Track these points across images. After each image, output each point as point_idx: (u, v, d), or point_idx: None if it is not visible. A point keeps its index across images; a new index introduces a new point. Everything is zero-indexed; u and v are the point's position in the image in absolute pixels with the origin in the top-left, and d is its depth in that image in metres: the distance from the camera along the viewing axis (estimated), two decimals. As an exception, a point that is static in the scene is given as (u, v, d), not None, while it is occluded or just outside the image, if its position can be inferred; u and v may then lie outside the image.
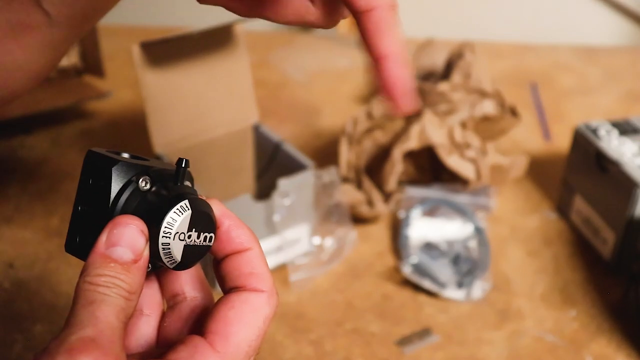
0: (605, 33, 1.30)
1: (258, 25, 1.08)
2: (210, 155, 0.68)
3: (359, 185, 0.71)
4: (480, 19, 1.31)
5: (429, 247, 0.66)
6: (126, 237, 0.30)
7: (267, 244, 0.62)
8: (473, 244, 0.67)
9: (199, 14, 1.40)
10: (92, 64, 0.85)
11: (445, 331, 0.59)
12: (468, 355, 0.58)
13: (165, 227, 0.30)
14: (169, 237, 0.31)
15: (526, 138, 0.87)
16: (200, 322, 0.33)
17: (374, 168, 0.72)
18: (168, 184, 0.32)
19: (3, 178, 0.76)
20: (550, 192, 0.77)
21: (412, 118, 0.72)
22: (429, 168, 0.73)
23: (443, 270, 0.64)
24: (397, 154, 0.68)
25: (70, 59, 0.84)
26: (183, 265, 0.32)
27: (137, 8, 1.35)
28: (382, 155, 0.72)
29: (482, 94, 0.72)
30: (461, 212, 0.69)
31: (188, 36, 0.61)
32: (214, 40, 0.65)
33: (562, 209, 0.74)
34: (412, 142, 0.68)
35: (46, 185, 0.75)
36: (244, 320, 0.31)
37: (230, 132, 0.69)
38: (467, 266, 0.65)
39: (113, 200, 0.31)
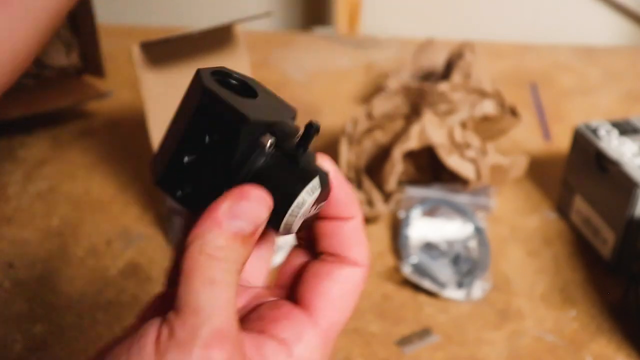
0: (605, 33, 1.30)
1: (258, 25, 1.09)
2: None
3: (359, 186, 0.71)
4: (480, 19, 1.31)
5: (429, 247, 0.67)
6: (251, 211, 0.27)
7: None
8: (473, 244, 0.67)
9: (199, 14, 1.40)
10: (92, 64, 0.85)
11: (445, 331, 0.60)
12: (468, 355, 0.58)
13: (295, 207, 0.28)
14: (295, 216, 0.29)
15: (526, 138, 0.87)
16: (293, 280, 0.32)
17: (374, 168, 0.72)
18: (293, 150, 0.29)
19: (3, 178, 0.76)
20: (550, 192, 0.77)
21: (412, 118, 0.72)
22: (429, 168, 0.73)
23: (443, 270, 0.64)
24: (397, 154, 0.68)
25: (71, 59, 0.84)
26: (291, 233, 0.30)
27: (137, 8, 1.35)
28: (382, 156, 0.72)
29: (482, 94, 0.72)
30: (461, 212, 0.69)
31: (188, 36, 0.61)
32: (214, 40, 0.65)
33: (562, 209, 0.74)
34: (412, 142, 0.68)
35: (46, 185, 0.75)
36: (348, 297, 0.30)
37: None
38: (467, 266, 0.65)
39: (236, 162, 0.28)
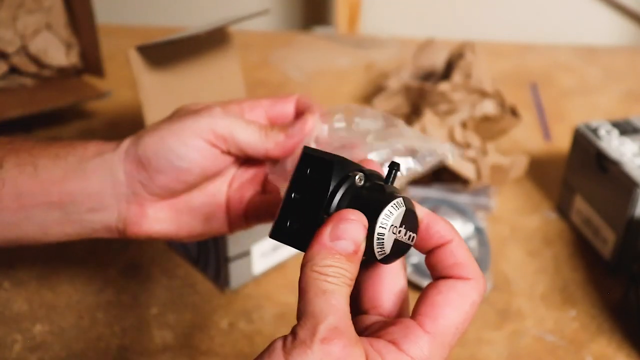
0: (605, 33, 1.30)
1: (258, 25, 1.09)
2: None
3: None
4: (481, 19, 1.31)
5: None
6: (350, 231, 0.32)
7: (266, 242, 0.62)
8: (473, 244, 0.67)
9: (198, 14, 1.40)
10: (92, 63, 0.85)
11: (446, 331, 0.59)
12: (468, 355, 0.57)
13: (383, 218, 0.33)
14: (385, 229, 0.33)
15: (526, 138, 0.87)
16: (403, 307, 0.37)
17: (374, 168, 0.72)
18: (379, 184, 0.35)
19: (3, 178, 0.76)
20: (551, 192, 0.77)
21: (412, 118, 0.72)
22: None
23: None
24: (397, 153, 0.68)
25: (70, 58, 0.84)
26: (388, 258, 0.34)
27: (137, 8, 1.35)
28: (382, 155, 0.72)
29: (483, 94, 0.72)
30: (461, 212, 0.69)
31: (184, 39, 0.61)
32: (208, 42, 0.65)
33: (562, 209, 0.74)
34: (412, 142, 0.68)
35: (46, 185, 0.75)
36: (451, 304, 0.33)
37: None
38: (467, 266, 0.65)
39: (331, 192, 0.34)
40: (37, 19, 0.81)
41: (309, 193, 0.34)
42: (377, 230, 0.33)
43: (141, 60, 0.61)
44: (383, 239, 0.33)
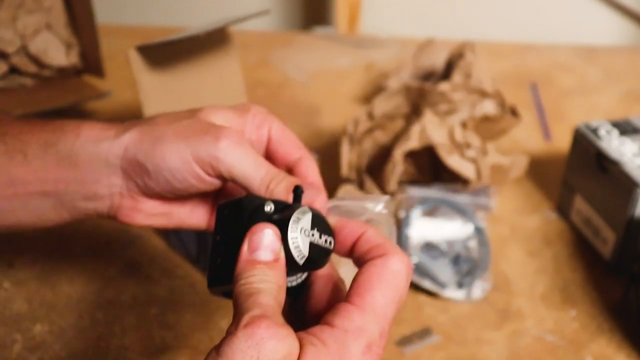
0: (605, 33, 1.30)
1: (258, 25, 1.09)
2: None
3: (361, 186, 0.71)
4: (481, 19, 1.31)
5: (429, 247, 0.66)
6: (264, 240, 0.35)
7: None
8: (473, 244, 0.67)
9: (198, 14, 1.40)
10: (92, 63, 0.85)
11: (446, 331, 0.59)
12: (468, 356, 0.57)
13: (292, 223, 0.36)
14: (296, 232, 0.36)
15: (526, 138, 0.87)
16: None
17: (374, 168, 0.72)
18: (287, 204, 0.38)
19: (3, 178, 0.75)
20: (551, 192, 0.77)
21: (412, 118, 0.72)
22: (429, 168, 0.73)
23: (443, 270, 0.64)
24: (398, 154, 0.68)
25: (70, 58, 0.84)
26: (311, 262, 0.37)
27: (137, 8, 1.35)
28: (382, 156, 0.72)
29: (483, 94, 0.72)
30: (461, 212, 0.69)
31: (184, 39, 0.61)
32: (208, 42, 0.65)
33: (562, 209, 0.74)
34: (412, 142, 0.68)
35: (46, 185, 0.75)
36: (374, 278, 0.35)
37: None
38: (467, 266, 0.65)
39: (246, 223, 0.36)
40: (37, 19, 0.81)
41: (228, 231, 0.37)
42: (289, 235, 0.35)
43: (141, 60, 0.61)
44: (297, 242, 0.36)
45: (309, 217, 0.36)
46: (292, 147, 0.45)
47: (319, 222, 0.37)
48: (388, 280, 0.35)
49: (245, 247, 0.35)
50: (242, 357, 0.30)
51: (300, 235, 0.36)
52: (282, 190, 0.40)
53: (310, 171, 0.44)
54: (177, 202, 0.46)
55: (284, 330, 0.32)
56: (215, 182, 0.43)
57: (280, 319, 0.32)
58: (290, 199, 0.39)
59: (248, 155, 0.41)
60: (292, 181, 0.41)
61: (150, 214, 0.45)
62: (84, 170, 0.44)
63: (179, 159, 0.41)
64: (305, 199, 0.39)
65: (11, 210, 0.45)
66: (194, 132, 0.42)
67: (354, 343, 0.33)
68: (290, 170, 0.45)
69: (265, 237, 0.35)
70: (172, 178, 0.42)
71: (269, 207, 0.37)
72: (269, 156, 0.45)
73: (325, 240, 0.37)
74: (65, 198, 0.44)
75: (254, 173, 0.41)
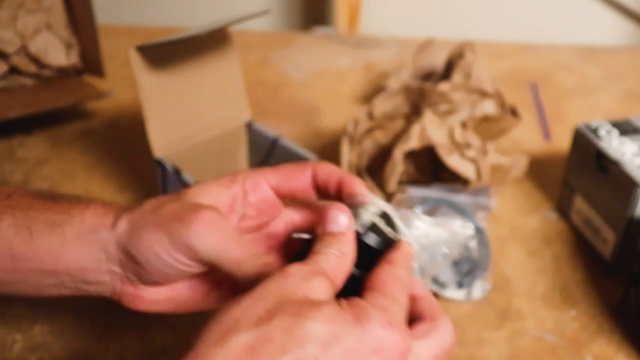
0: (605, 33, 1.30)
1: (258, 25, 1.09)
2: (207, 155, 0.69)
3: (359, 185, 0.71)
4: (481, 18, 1.31)
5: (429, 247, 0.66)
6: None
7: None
8: (473, 244, 0.67)
9: (198, 14, 1.40)
10: (92, 63, 0.85)
11: (446, 331, 0.59)
12: (468, 356, 0.57)
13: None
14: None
15: (526, 138, 0.87)
16: None
17: (374, 168, 0.72)
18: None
19: (3, 178, 0.75)
20: (551, 192, 0.77)
21: (412, 118, 0.72)
22: (429, 168, 0.73)
23: (443, 270, 0.64)
24: (398, 154, 0.68)
25: (70, 58, 0.84)
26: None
27: (137, 8, 1.35)
28: (382, 156, 0.72)
29: (483, 94, 0.72)
30: (461, 212, 0.69)
31: (184, 39, 0.61)
32: (208, 42, 0.65)
33: (562, 209, 0.74)
34: (412, 142, 0.68)
35: (46, 185, 0.75)
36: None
37: (225, 131, 0.69)
38: (467, 266, 0.65)
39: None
40: (37, 19, 0.81)
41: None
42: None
43: (141, 60, 0.61)
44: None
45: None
46: (299, 176, 0.44)
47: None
48: (398, 277, 0.38)
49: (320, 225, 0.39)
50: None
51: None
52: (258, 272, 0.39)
53: (334, 169, 0.44)
54: (178, 287, 0.45)
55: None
56: (201, 266, 0.42)
57: (341, 276, 0.37)
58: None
59: (220, 238, 0.40)
60: (267, 263, 0.39)
61: (153, 300, 0.45)
62: (86, 256, 0.43)
63: (161, 248, 0.41)
64: (345, 190, 0.42)
65: (12, 283, 0.45)
66: (171, 219, 0.41)
67: (377, 316, 0.34)
68: (334, 186, 0.43)
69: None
70: (161, 266, 0.41)
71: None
72: (291, 199, 0.45)
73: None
74: (66, 279, 0.45)
75: (228, 257, 0.40)
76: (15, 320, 0.58)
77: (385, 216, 0.41)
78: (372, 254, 0.39)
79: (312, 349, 0.32)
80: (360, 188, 0.42)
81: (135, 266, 0.42)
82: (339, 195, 0.42)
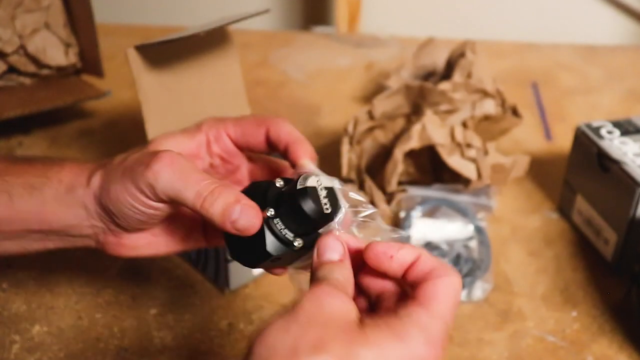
0: (606, 32, 1.29)
1: (258, 24, 1.08)
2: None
3: (361, 186, 0.70)
4: (482, 18, 1.31)
5: (430, 248, 0.66)
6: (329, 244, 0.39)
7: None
8: (474, 244, 0.67)
9: (198, 13, 1.39)
10: (91, 63, 0.85)
11: (446, 332, 0.59)
12: (469, 356, 0.57)
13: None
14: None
15: (527, 138, 0.87)
16: None
17: (374, 168, 0.72)
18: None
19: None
20: (552, 192, 0.76)
21: (413, 117, 0.72)
22: (430, 168, 0.73)
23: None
24: (399, 154, 0.68)
25: (69, 58, 0.84)
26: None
27: (136, 7, 1.35)
28: (382, 155, 0.72)
29: (484, 94, 0.71)
30: (462, 212, 0.69)
31: (183, 38, 0.61)
32: (208, 42, 0.65)
33: (564, 209, 0.73)
34: (413, 141, 0.68)
35: (45, 185, 0.75)
36: (440, 291, 0.37)
37: None
38: (467, 266, 0.64)
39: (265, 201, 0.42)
40: (35, 18, 0.81)
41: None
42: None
43: (140, 59, 0.60)
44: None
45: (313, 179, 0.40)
46: (255, 132, 0.46)
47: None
48: (452, 295, 0.36)
49: (315, 255, 0.39)
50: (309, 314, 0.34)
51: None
52: (218, 210, 0.40)
53: (282, 133, 0.45)
54: (156, 231, 0.47)
55: (345, 296, 0.35)
56: (167, 207, 0.43)
57: (349, 290, 0.37)
58: (225, 220, 0.40)
59: (179, 175, 0.41)
60: (228, 200, 0.40)
61: (134, 246, 0.47)
62: (67, 215, 0.45)
63: (127, 194, 0.43)
64: (291, 154, 0.44)
65: None
66: (134, 165, 0.43)
67: (416, 335, 0.34)
68: (282, 148, 0.45)
69: (327, 241, 0.39)
70: (131, 212, 0.43)
71: (279, 184, 0.41)
72: (248, 152, 0.48)
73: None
74: (51, 236, 0.47)
75: (186, 192, 0.41)
76: (13, 321, 0.58)
77: (330, 191, 0.41)
78: (306, 219, 0.39)
79: None
80: (304, 159, 0.44)
81: (111, 217, 0.44)
82: (287, 156, 0.45)
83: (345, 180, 0.70)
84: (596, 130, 0.68)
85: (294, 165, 0.44)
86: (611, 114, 0.91)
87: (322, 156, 0.75)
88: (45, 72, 0.83)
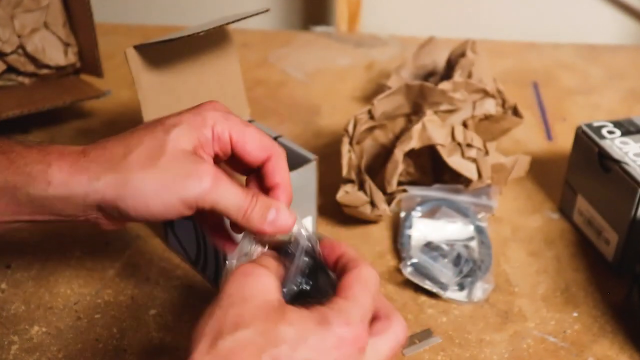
0: (607, 32, 1.29)
1: (258, 24, 1.08)
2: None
3: (361, 186, 0.70)
4: (482, 17, 1.31)
5: (430, 248, 0.66)
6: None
7: (266, 244, 0.61)
8: (474, 244, 0.67)
9: (198, 13, 1.39)
10: (90, 63, 0.85)
11: (447, 332, 0.59)
12: (469, 357, 0.57)
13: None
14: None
15: (528, 137, 0.87)
16: None
17: (374, 168, 0.71)
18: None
19: (1, 178, 0.75)
20: (552, 192, 0.76)
21: (413, 117, 0.72)
22: (430, 169, 0.72)
23: (444, 271, 0.63)
24: (399, 154, 0.67)
25: (68, 58, 0.84)
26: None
27: (136, 7, 1.35)
28: (383, 155, 0.71)
29: (484, 93, 0.71)
30: (462, 212, 0.69)
31: (183, 38, 0.61)
32: (208, 41, 0.65)
33: (564, 209, 0.73)
34: (413, 141, 0.67)
35: (44, 185, 0.74)
36: (353, 280, 0.41)
37: None
38: (468, 267, 0.64)
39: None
40: (34, 17, 0.81)
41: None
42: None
43: (140, 59, 0.60)
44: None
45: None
46: (256, 148, 0.46)
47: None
48: (364, 281, 0.41)
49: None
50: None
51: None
52: (257, 217, 0.44)
53: (278, 171, 0.47)
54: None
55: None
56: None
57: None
58: (264, 222, 0.44)
59: (228, 189, 0.44)
60: (264, 206, 0.44)
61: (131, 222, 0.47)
62: (60, 210, 0.45)
63: (164, 206, 0.43)
64: (273, 195, 0.46)
65: None
66: (177, 179, 0.43)
67: (336, 319, 0.38)
68: (269, 183, 0.47)
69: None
70: (157, 217, 0.44)
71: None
72: (237, 161, 0.47)
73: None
74: (42, 223, 0.47)
75: (235, 206, 0.44)
76: (12, 322, 0.58)
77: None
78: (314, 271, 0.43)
79: (285, 349, 0.36)
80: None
81: (120, 214, 0.44)
82: (268, 192, 0.47)
83: (346, 180, 0.70)
84: (597, 130, 0.68)
85: (266, 193, 0.47)
86: (612, 114, 0.90)
87: (322, 156, 0.75)
88: (44, 71, 0.83)
